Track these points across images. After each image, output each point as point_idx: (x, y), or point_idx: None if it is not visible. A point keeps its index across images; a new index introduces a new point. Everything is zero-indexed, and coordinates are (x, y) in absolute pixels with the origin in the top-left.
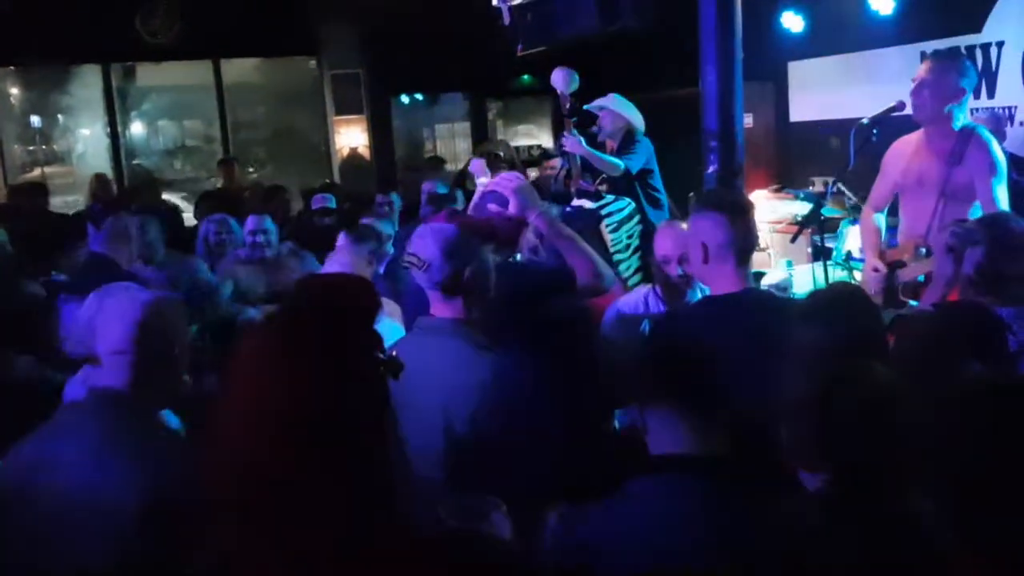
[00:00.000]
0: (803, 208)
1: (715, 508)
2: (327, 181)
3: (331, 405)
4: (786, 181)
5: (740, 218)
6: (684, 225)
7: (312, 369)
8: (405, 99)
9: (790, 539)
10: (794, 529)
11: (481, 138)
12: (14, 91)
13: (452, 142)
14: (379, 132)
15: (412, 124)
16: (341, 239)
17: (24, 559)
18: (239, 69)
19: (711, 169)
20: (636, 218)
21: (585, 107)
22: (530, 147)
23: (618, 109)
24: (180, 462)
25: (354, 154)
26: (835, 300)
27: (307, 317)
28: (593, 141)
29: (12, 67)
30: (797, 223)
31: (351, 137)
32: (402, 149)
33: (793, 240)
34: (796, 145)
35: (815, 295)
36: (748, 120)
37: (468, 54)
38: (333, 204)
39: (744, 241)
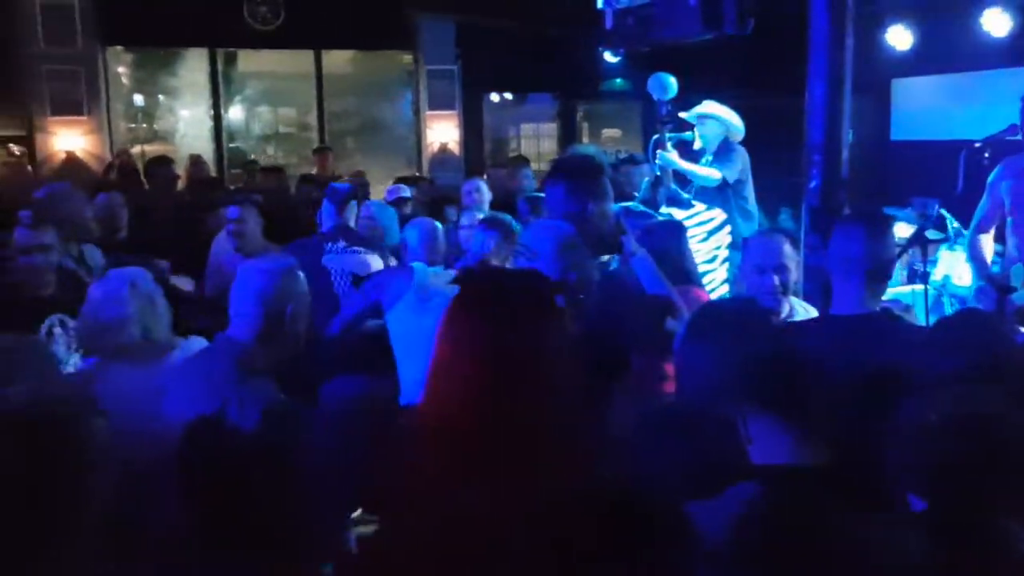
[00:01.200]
0: (902, 229)
1: (814, 520)
2: (415, 174)
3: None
4: (884, 200)
5: (876, 235)
6: (782, 236)
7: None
8: (495, 97)
9: (888, 555)
10: (893, 547)
11: (569, 140)
12: (123, 70)
13: (537, 142)
14: (470, 128)
15: (500, 122)
16: None
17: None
18: (337, 60)
19: (813, 183)
20: (726, 228)
21: (681, 114)
22: (617, 151)
23: (716, 116)
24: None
25: (444, 149)
26: (969, 327)
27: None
28: (688, 148)
29: (122, 47)
30: (897, 244)
31: (442, 132)
32: (489, 146)
33: None
34: (896, 164)
35: (946, 321)
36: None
37: (560, 55)
38: (408, 194)
39: (875, 260)
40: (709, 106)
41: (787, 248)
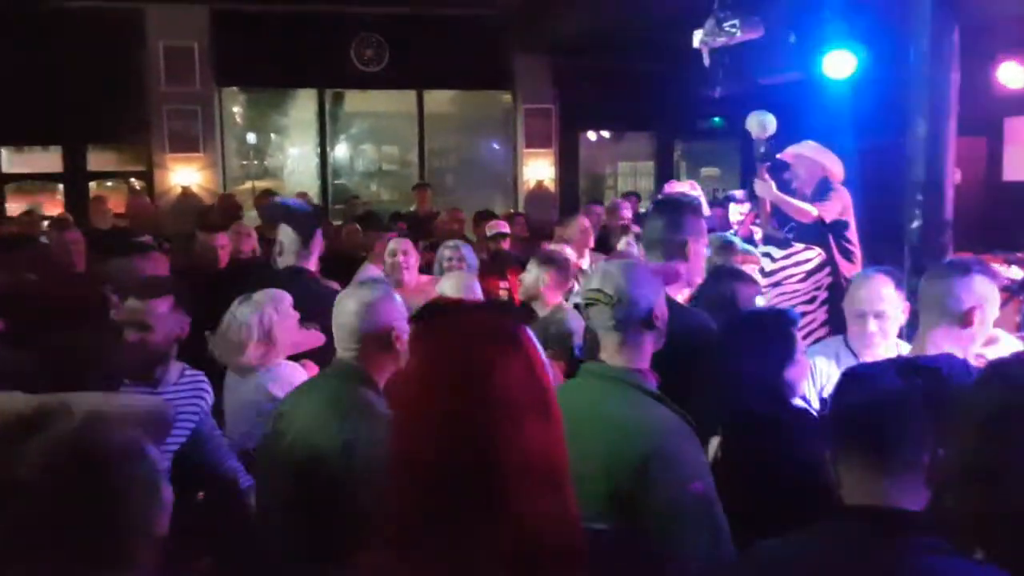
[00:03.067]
0: (1014, 273)
1: (897, 562)
2: (511, 210)
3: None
4: (995, 243)
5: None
6: (885, 278)
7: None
8: (592, 135)
9: None
10: None
11: (666, 177)
12: (236, 109)
13: (634, 179)
14: (566, 165)
15: (596, 159)
16: None
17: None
18: (438, 99)
19: (915, 224)
20: (826, 269)
21: (779, 154)
22: (715, 189)
23: (815, 156)
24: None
25: (540, 186)
26: None
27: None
28: (785, 189)
29: (236, 87)
30: (1007, 290)
31: (538, 169)
32: (585, 183)
33: (1002, 307)
34: (1008, 205)
35: None
36: (956, 176)
37: (657, 94)
38: (506, 230)
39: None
40: (807, 146)
41: (888, 291)
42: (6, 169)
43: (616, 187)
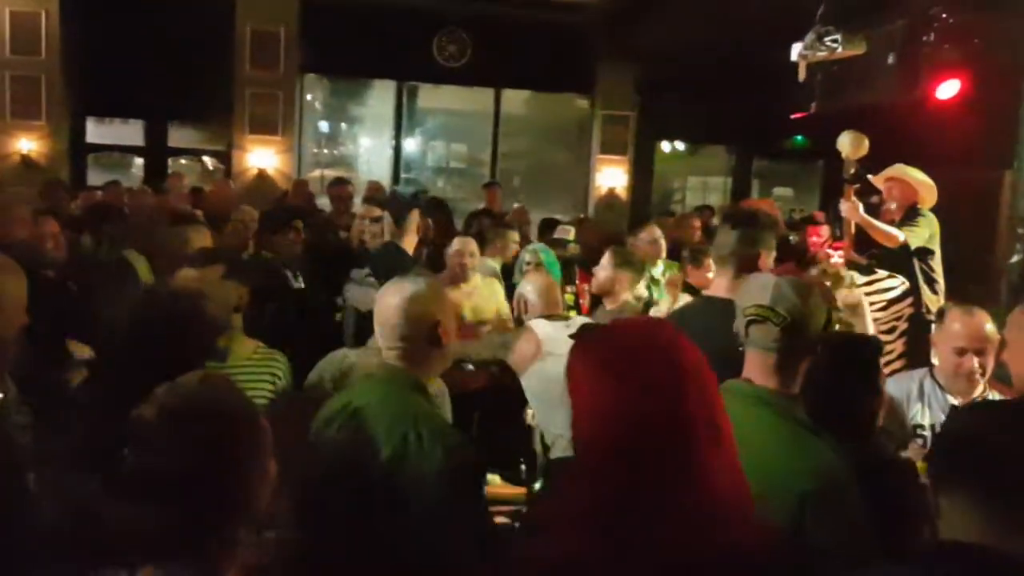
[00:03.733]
0: None
1: None
2: (580, 216)
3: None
4: None
5: None
6: (985, 314)
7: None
8: (666, 146)
9: None
10: None
11: (740, 194)
12: (316, 96)
13: (703, 194)
14: (639, 175)
15: (668, 171)
16: None
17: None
18: (514, 100)
19: (1015, 259)
20: (909, 299)
21: (869, 177)
22: (791, 211)
23: (908, 180)
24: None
25: (612, 194)
26: None
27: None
28: (871, 213)
29: (317, 75)
30: None
31: (612, 177)
32: (656, 194)
33: None
34: None
35: None
36: None
37: (739, 109)
38: (571, 236)
39: None
40: (899, 169)
41: (989, 328)
42: (90, 139)
43: (684, 201)
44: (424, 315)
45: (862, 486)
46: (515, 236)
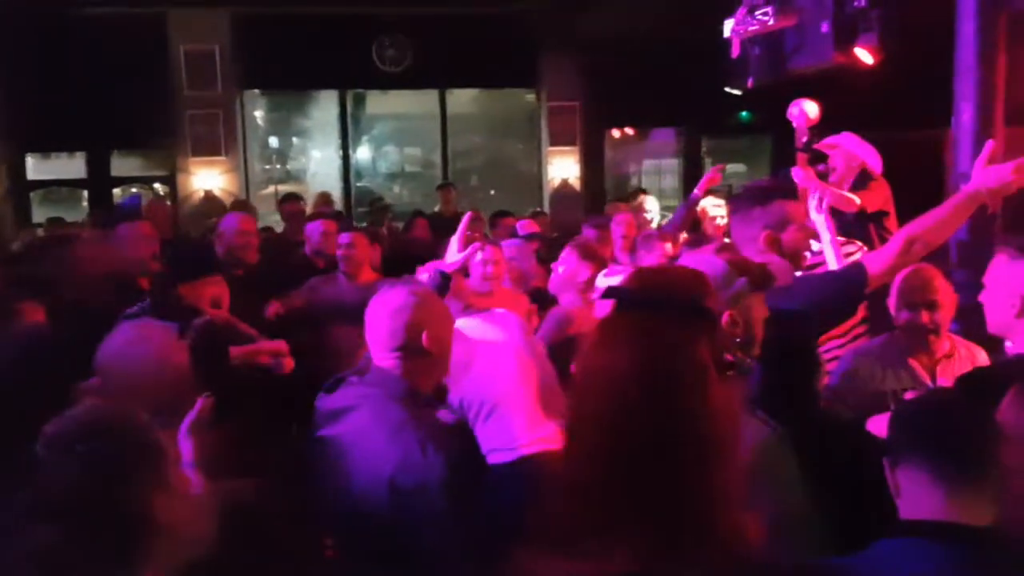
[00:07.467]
0: None
1: None
2: (537, 209)
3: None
4: None
5: None
6: (934, 269)
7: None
8: (616, 132)
9: None
10: None
11: (692, 175)
12: (258, 113)
13: (659, 178)
14: (591, 164)
15: (621, 157)
16: None
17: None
18: (461, 99)
19: None
20: None
21: (815, 145)
22: (743, 186)
23: (853, 148)
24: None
25: (565, 185)
26: None
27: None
28: (822, 180)
29: (258, 90)
30: None
31: (563, 168)
32: (610, 182)
33: None
34: None
35: None
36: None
37: (683, 90)
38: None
39: None
40: (844, 137)
41: (940, 283)
42: (31, 176)
43: (641, 185)
44: (411, 326)
45: (808, 457)
46: None
